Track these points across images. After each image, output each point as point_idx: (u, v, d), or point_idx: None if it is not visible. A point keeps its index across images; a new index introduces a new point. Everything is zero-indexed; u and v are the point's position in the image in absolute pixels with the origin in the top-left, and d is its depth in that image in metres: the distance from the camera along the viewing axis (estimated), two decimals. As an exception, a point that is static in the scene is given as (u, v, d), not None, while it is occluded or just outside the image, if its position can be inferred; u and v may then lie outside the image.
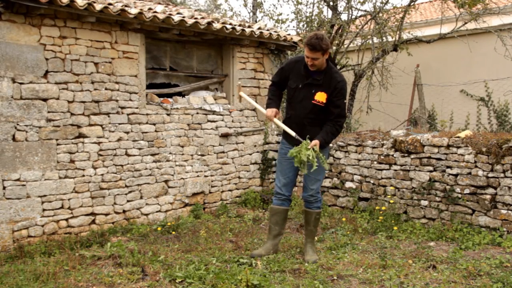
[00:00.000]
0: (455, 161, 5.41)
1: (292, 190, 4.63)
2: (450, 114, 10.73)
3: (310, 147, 4.13)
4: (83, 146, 5.35)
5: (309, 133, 4.27)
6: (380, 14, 9.45)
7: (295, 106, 4.39)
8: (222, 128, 6.71)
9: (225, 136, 6.73)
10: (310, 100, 4.29)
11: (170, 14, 5.86)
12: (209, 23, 6.11)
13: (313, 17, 10.12)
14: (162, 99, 6.15)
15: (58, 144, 5.15)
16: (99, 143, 5.47)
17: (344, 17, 10.04)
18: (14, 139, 4.86)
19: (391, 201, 5.87)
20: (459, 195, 5.36)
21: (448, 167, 5.47)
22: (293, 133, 4.27)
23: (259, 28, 6.84)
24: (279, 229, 4.61)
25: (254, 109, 7.08)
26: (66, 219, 5.24)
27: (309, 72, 4.31)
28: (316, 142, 4.17)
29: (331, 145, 6.45)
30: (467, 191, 5.31)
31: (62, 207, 5.21)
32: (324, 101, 4.28)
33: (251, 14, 12.47)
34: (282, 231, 4.70)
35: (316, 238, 4.93)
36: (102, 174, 5.50)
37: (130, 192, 5.76)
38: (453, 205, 5.42)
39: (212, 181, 6.62)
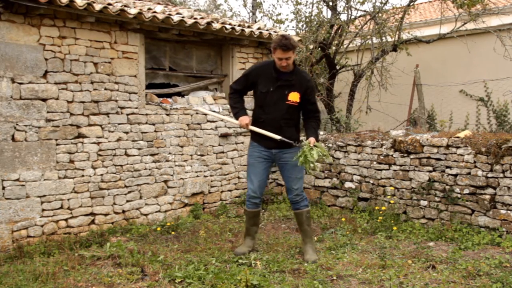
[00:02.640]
0: (455, 161, 5.41)
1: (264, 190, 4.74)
2: (449, 114, 10.73)
3: (312, 145, 4.19)
4: (83, 146, 5.35)
5: (285, 134, 4.38)
6: (380, 14, 9.44)
7: (268, 110, 4.44)
8: (221, 128, 6.71)
9: (224, 136, 6.73)
10: (284, 101, 4.40)
11: (170, 14, 5.86)
12: (209, 23, 6.11)
13: (312, 17, 10.11)
14: (161, 99, 6.15)
15: (57, 144, 5.15)
16: (98, 143, 5.47)
17: (343, 17, 10.03)
18: (13, 139, 4.86)
19: (391, 201, 5.87)
20: (459, 195, 5.36)
21: (447, 167, 5.48)
22: (277, 137, 4.34)
23: (258, 28, 6.84)
24: (256, 228, 4.82)
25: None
26: (66, 219, 5.24)
27: (279, 74, 4.39)
28: (313, 139, 4.29)
29: (330, 145, 6.55)
30: (466, 191, 5.31)
31: (61, 207, 5.20)
32: (298, 100, 4.41)
33: (251, 14, 12.47)
34: (258, 227, 4.93)
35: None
36: (101, 174, 5.50)
37: (129, 192, 5.76)
38: (452, 205, 5.42)
39: (211, 181, 6.62)
